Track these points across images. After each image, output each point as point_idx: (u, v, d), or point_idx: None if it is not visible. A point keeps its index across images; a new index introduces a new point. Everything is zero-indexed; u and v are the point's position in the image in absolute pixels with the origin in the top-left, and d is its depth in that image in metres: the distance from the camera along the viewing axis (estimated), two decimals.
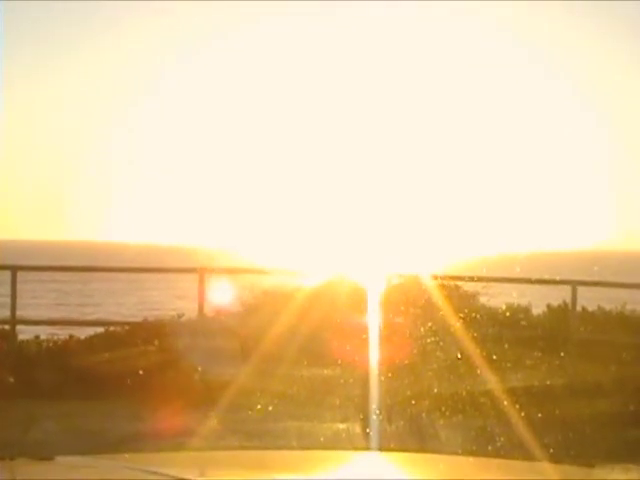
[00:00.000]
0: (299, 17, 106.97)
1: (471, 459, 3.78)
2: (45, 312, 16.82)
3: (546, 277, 10.01)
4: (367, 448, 5.76)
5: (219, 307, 9.22)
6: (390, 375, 6.52)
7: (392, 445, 5.75)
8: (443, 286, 8.20)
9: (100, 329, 8.70)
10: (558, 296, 9.11)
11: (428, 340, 7.01)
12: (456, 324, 7.09)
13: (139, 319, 9.30)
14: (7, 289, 8.35)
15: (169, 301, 19.10)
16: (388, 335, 6.95)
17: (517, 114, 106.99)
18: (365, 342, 6.74)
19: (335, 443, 5.81)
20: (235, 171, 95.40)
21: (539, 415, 5.97)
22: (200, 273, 8.55)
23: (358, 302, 7.72)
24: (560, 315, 8.84)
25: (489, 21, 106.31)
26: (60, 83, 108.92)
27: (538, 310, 9.41)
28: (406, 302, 7.59)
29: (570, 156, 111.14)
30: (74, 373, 7.38)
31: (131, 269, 11.72)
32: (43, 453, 2.36)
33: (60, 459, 2.33)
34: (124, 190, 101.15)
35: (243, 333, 8.04)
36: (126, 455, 3.31)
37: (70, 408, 6.77)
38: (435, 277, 8.13)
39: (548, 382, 6.78)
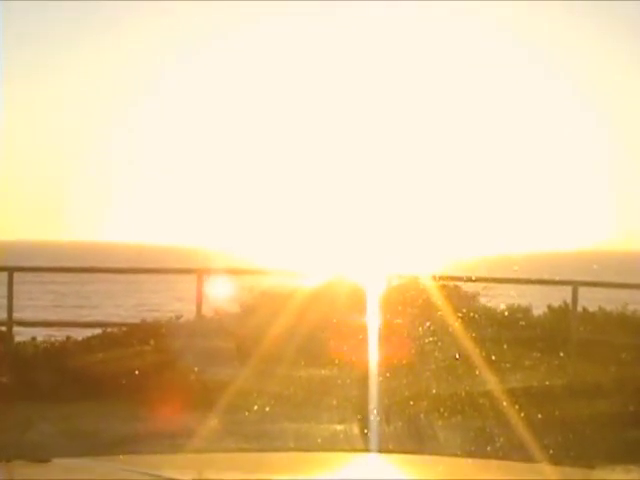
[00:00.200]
0: (299, 17, 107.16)
1: (470, 460, 3.77)
2: (42, 314, 16.77)
3: (546, 277, 9.99)
4: (365, 449, 5.74)
5: (217, 308, 9.20)
6: (389, 376, 6.50)
7: (390, 446, 5.72)
8: (443, 287, 8.17)
9: (98, 330, 8.66)
10: (559, 297, 9.09)
11: (427, 340, 6.98)
12: (456, 325, 7.06)
13: (137, 320, 9.26)
14: (4, 290, 8.32)
15: (168, 302, 19.06)
16: (387, 336, 6.92)
17: (516, 114, 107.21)
18: (364, 343, 6.72)
19: (333, 444, 5.78)
20: (234, 171, 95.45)
21: (539, 416, 5.94)
22: (198, 274, 8.52)
23: (357, 303, 7.70)
24: (561, 316, 8.81)
25: (489, 21, 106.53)
26: (60, 83, 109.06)
27: (539, 311, 9.39)
28: (406, 303, 7.56)
29: (570, 156, 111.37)
30: (71, 374, 7.35)
31: (129, 270, 11.71)
32: (40, 455, 2.35)
33: (57, 461, 2.33)
34: (123, 190, 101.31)
35: (241, 334, 8.02)
36: (123, 457, 3.30)
37: (67, 410, 6.74)
38: (435, 278, 8.11)
39: (548, 383, 6.76)
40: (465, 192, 60.81)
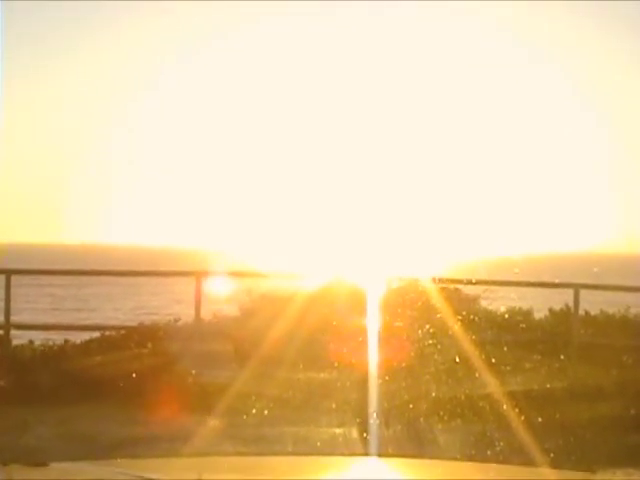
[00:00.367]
0: (299, 17, 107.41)
1: (470, 464, 3.76)
2: (40, 317, 16.75)
3: (547, 280, 9.97)
4: (364, 453, 5.70)
5: (216, 311, 9.18)
6: (388, 379, 6.47)
7: (390, 450, 5.69)
8: (443, 289, 8.15)
9: (96, 334, 8.63)
10: (560, 299, 9.07)
11: (427, 343, 6.95)
12: (456, 327, 7.03)
13: (135, 324, 9.23)
14: (1, 293, 8.30)
15: (166, 305, 19.03)
16: (387, 338, 6.89)
17: (516, 116, 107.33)
18: (364, 345, 6.69)
19: (332, 448, 5.74)
20: (233, 173, 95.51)
21: (539, 419, 5.91)
22: (197, 276, 8.50)
23: (357, 305, 7.68)
24: (562, 319, 8.79)
25: (489, 21, 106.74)
26: (60, 83, 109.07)
27: (540, 314, 9.36)
28: (406, 305, 7.53)
29: (570, 157, 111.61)
30: (69, 378, 7.31)
31: (128, 273, 11.68)
32: (37, 459, 2.35)
33: (54, 465, 2.33)
34: (121, 192, 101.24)
35: (240, 337, 7.99)
36: (120, 461, 3.30)
37: (65, 413, 6.70)
38: (436, 280, 8.08)
39: (549, 386, 6.72)
40: (465, 194, 60.85)
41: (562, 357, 7.48)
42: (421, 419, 6.22)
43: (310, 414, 6.37)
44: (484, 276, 9.39)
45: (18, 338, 8.47)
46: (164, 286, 21.50)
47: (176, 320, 8.79)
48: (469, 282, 9.02)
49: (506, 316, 8.75)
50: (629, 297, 9.39)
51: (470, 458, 5.37)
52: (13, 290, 8.23)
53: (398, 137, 68.75)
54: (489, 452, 5.49)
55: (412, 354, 6.86)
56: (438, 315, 7.26)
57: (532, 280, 9.61)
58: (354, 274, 9.04)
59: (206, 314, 8.71)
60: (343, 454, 5.42)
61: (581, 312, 8.71)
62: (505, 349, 7.03)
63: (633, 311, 9.04)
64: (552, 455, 5.03)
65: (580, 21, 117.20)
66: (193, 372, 7.39)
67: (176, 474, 2.52)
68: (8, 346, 8.16)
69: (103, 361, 7.64)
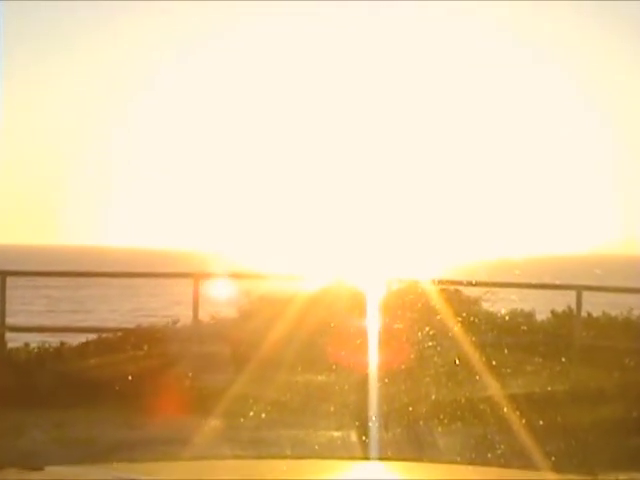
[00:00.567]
0: (297, 17, 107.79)
1: (471, 468, 3.72)
2: (36, 319, 16.70)
3: (547, 282, 9.93)
4: (364, 457, 5.66)
5: (214, 313, 9.14)
6: (388, 381, 6.43)
7: (389, 453, 5.64)
8: (443, 291, 8.10)
9: (92, 336, 8.58)
10: (562, 301, 9.03)
11: (427, 346, 6.91)
12: (456, 330, 6.99)
13: (133, 325, 9.18)
14: None
15: (164, 307, 18.98)
16: (387, 341, 6.86)
17: (517, 117, 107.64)
18: (363, 348, 6.65)
19: (331, 451, 5.70)
20: (231, 174, 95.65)
21: (541, 422, 5.87)
22: (195, 278, 8.45)
23: (357, 307, 7.64)
24: (565, 321, 8.75)
25: (489, 21, 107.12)
26: (59, 84, 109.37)
27: (542, 316, 9.32)
28: (406, 307, 7.49)
29: (570, 159, 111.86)
30: (65, 381, 7.26)
31: (125, 274, 11.62)
32: (33, 463, 2.32)
33: (50, 469, 2.33)
34: (118, 194, 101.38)
35: (238, 339, 7.95)
36: (116, 464, 3.30)
37: (61, 416, 6.65)
38: (437, 282, 8.04)
39: (552, 389, 6.68)
40: (465, 195, 60.99)
41: (565, 359, 7.44)
42: (421, 422, 6.17)
43: (309, 417, 6.33)
44: (485, 278, 9.35)
45: (13, 341, 8.41)
46: (162, 288, 21.45)
47: (174, 322, 8.75)
48: (469, 284, 8.97)
49: (508, 318, 8.71)
50: (631, 299, 9.35)
51: (471, 461, 5.33)
52: (8, 292, 8.18)
53: (399, 139, 68.92)
54: (490, 455, 5.45)
55: (412, 356, 6.82)
56: (438, 317, 7.22)
57: (534, 282, 9.56)
58: (354, 276, 9.00)
59: (204, 316, 8.67)
60: (342, 457, 5.37)
61: (583, 314, 8.67)
62: (507, 351, 6.99)
63: (636, 313, 9.00)
64: (553, 458, 4.99)
65: (581, 21, 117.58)
66: (190, 375, 7.34)
67: (173, 477, 2.51)
68: (3, 349, 8.11)
69: (100, 363, 7.59)
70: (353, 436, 6.01)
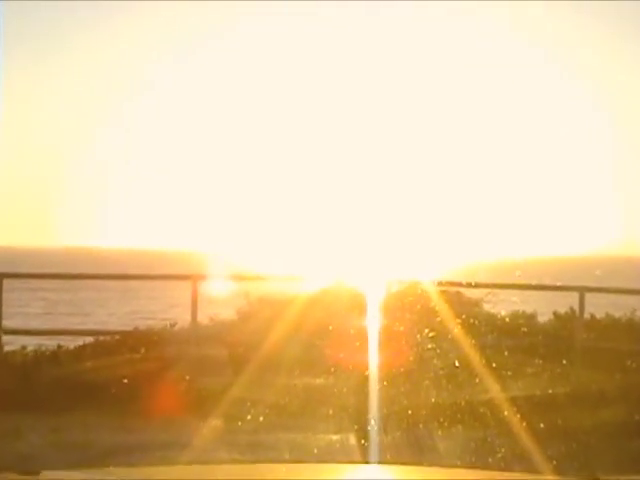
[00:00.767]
0: (296, 17, 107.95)
1: (471, 472, 3.69)
2: (33, 322, 16.63)
3: (548, 283, 9.89)
4: (363, 460, 5.61)
5: (213, 315, 9.09)
6: (387, 384, 6.39)
7: (389, 457, 5.60)
8: (444, 293, 8.06)
9: (89, 339, 8.53)
10: (564, 303, 8.99)
11: (428, 348, 6.87)
12: (457, 331, 6.96)
13: (130, 328, 9.13)
14: None
15: (163, 309, 18.95)
16: (387, 343, 6.82)
17: (517, 118, 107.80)
18: (363, 350, 6.62)
19: (329, 455, 5.66)
20: (229, 174, 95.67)
21: (542, 425, 5.82)
22: (193, 280, 8.40)
23: (357, 309, 7.61)
24: (567, 322, 8.71)
25: (489, 21, 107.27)
26: (59, 84, 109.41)
27: (544, 317, 9.28)
28: (406, 309, 7.46)
29: (570, 160, 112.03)
30: (62, 384, 7.22)
31: (122, 276, 11.57)
32: (28, 467, 2.30)
33: (46, 473, 2.33)
34: (116, 195, 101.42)
35: (237, 341, 7.90)
36: (112, 469, 3.28)
37: (57, 420, 6.61)
38: (437, 283, 8.00)
39: (556, 392, 6.64)
40: (466, 196, 61.13)
41: (568, 361, 7.40)
42: (420, 425, 6.13)
43: (307, 420, 6.28)
44: (485, 279, 9.31)
45: (10, 344, 8.36)
46: (160, 290, 21.45)
47: (172, 325, 8.70)
48: (469, 285, 8.93)
49: (510, 320, 8.67)
50: (632, 300, 9.30)
51: (471, 465, 5.29)
52: (5, 294, 8.13)
53: (398, 140, 69.03)
54: (490, 459, 5.41)
55: (412, 358, 6.78)
56: (439, 319, 7.18)
57: (535, 283, 9.53)
58: (354, 277, 8.97)
59: (203, 318, 8.62)
60: (341, 461, 5.33)
61: (586, 315, 8.63)
62: (510, 353, 6.96)
63: (639, 314, 8.95)
64: (555, 462, 4.95)
65: (581, 22, 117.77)
66: (188, 377, 7.29)
67: None
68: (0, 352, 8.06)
69: (97, 367, 7.54)
70: (352, 439, 5.97)
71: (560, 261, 32.85)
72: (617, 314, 9.05)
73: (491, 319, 8.46)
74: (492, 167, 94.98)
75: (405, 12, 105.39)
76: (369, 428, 5.98)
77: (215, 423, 6.21)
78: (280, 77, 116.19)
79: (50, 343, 8.39)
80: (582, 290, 8.43)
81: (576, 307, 8.49)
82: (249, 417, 6.19)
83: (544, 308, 9.47)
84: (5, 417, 6.64)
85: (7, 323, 8.56)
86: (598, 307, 9.04)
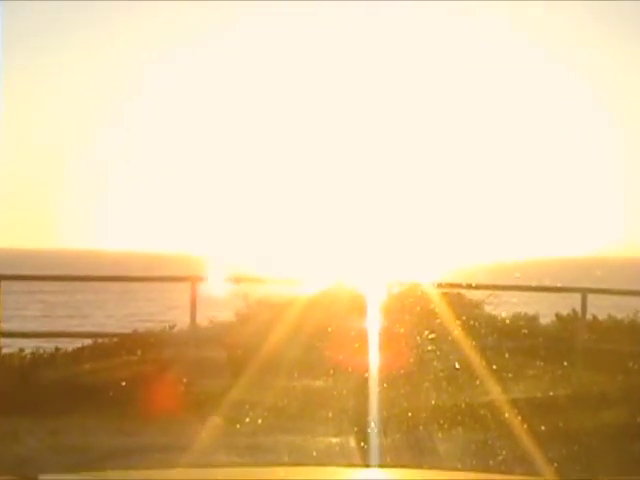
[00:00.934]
0: (296, 17, 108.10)
1: (472, 474, 3.67)
2: (31, 324, 16.60)
3: (548, 284, 9.88)
4: (363, 463, 5.58)
5: (212, 317, 9.07)
6: (388, 386, 6.35)
7: (389, 460, 5.57)
8: (445, 294, 8.03)
9: (88, 341, 8.50)
10: (566, 304, 8.97)
11: (429, 349, 6.85)
12: (460, 333, 6.93)
13: (129, 331, 9.09)
14: None
15: (161, 311, 18.91)
16: (387, 344, 6.79)
17: (516, 119, 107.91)
18: (363, 352, 6.59)
19: (329, 458, 5.62)
20: (229, 176, 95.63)
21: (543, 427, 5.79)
22: (192, 282, 8.37)
23: (357, 311, 7.59)
24: (569, 324, 8.69)
25: (489, 21, 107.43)
26: (59, 84, 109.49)
27: (547, 319, 9.26)
28: (406, 311, 7.43)
29: (570, 161, 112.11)
30: (60, 387, 7.18)
31: (121, 278, 11.56)
32: (26, 472, 2.25)
33: (43, 477, 2.37)
34: (115, 197, 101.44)
35: (236, 343, 7.87)
36: (110, 472, 3.26)
37: (55, 423, 6.57)
38: (438, 285, 7.97)
39: (558, 394, 6.61)
40: (466, 198, 61.17)
41: (570, 363, 7.37)
42: (421, 428, 6.09)
43: (307, 423, 6.25)
44: (485, 280, 9.29)
45: (8, 347, 8.33)
46: (159, 292, 21.42)
47: (171, 327, 8.67)
48: (470, 287, 8.90)
49: (512, 322, 8.64)
50: (635, 301, 9.28)
51: (471, 468, 5.26)
52: (2, 297, 8.10)
53: (398, 141, 69.06)
54: (491, 462, 5.38)
55: (412, 360, 6.75)
56: (439, 320, 7.15)
57: (536, 284, 9.51)
58: (354, 279, 8.94)
59: (202, 320, 8.60)
60: (340, 464, 5.30)
61: (589, 317, 8.60)
62: (511, 355, 6.93)
63: None
64: (556, 464, 4.92)
65: (582, 21, 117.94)
66: (187, 380, 7.26)
67: None
68: None
69: (95, 369, 7.52)
70: (352, 442, 5.93)
71: (560, 262, 32.83)
72: (619, 316, 9.03)
73: (492, 321, 8.44)
74: (492, 168, 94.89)
75: (405, 12, 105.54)
76: (369, 430, 5.95)
77: (214, 425, 6.18)
78: (280, 77, 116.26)
79: (48, 345, 8.36)
80: (585, 291, 8.40)
81: (578, 309, 8.47)
82: (248, 419, 6.16)
83: (546, 310, 9.45)
84: (3, 420, 6.61)
85: (5, 326, 8.53)
86: (600, 309, 9.02)
